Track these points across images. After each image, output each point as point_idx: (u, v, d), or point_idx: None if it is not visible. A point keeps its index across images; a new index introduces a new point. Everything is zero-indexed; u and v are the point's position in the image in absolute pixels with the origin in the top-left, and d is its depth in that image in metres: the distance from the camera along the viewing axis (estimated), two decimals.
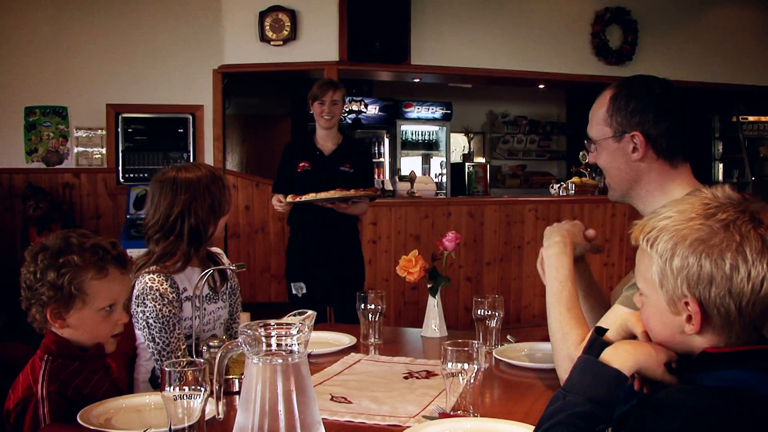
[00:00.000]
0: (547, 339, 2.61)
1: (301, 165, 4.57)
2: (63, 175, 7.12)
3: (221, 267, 2.16)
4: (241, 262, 2.38)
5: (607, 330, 1.62)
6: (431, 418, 1.77)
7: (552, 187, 8.23)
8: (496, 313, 2.50)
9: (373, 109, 9.87)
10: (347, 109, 9.23)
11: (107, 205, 7.23)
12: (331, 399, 1.95)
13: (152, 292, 2.48)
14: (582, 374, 1.40)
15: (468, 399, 1.79)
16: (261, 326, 1.49)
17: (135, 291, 2.52)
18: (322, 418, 1.57)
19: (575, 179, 8.19)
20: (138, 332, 2.56)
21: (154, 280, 2.50)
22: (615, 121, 2.01)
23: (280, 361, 1.47)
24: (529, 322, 7.42)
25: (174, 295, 2.52)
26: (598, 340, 1.60)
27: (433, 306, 2.77)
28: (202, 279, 2.16)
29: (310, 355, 2.39)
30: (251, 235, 7.03)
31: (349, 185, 4.46)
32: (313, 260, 4.52)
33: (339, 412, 1.84)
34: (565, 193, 8.08)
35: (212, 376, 1.62)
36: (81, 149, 7.18)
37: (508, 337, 2.65)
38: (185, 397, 1.61)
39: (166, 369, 1.60)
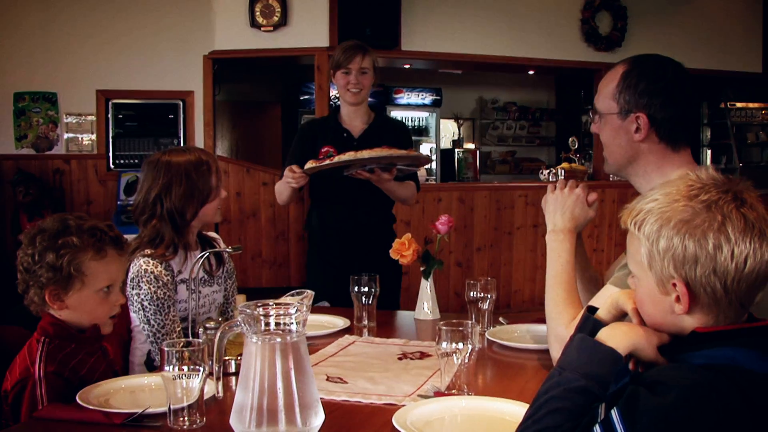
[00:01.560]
0: (538, 321, 2.65)
1: (324, 150, 3.62)
2: (53, 161, 7.11)
3: (217, 250, 2.18)
4: (238, 245, 2.40)
5: (598, 309, 1.66)
6: (427, 397, 1.80)
7: (541, 172, 8.27)
8: (489, 296, 2.53)
9: None
10: (335, 93, 9.20)
11: (98, 191, 7.22)
12: (327, 379, 1.97)
13: (147, 275, 2.50)
14: (578, 352, 1.43)
15: (462, 378, 1.82)
16: (260, 306, 1.52)
17: (130, 274, 2.54)
18: (320, 397, 1.59)
19: (564, 165, 8.21)
20: (133, 315, 2.58)
21: (149, 262, 2.52)
22: (623, 98, 2.00)
23: (278, 340, 1.49)
24: (518, 307, 7.48)
25: (169, 277, 2.54)
26: (591, 319, 1.63)
27: (426, 288, 2.80)
28: (197, 262, 2.18)
29: None
30: (242, 220, 7.04)
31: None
32: (339, 272, 3.20)
33: (335, 392, 1.87)
34: (554, 179, 8.08)
35: (211, 356, 1.64)
36: (71, 135, 7.17)
37: (501, 319, 2.67)
38: (184, 377, 1.63)
39: (166, 349, 1.63)
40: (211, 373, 1.66)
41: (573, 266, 2.10)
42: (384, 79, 9.83)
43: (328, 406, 1.68)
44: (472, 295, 2.53)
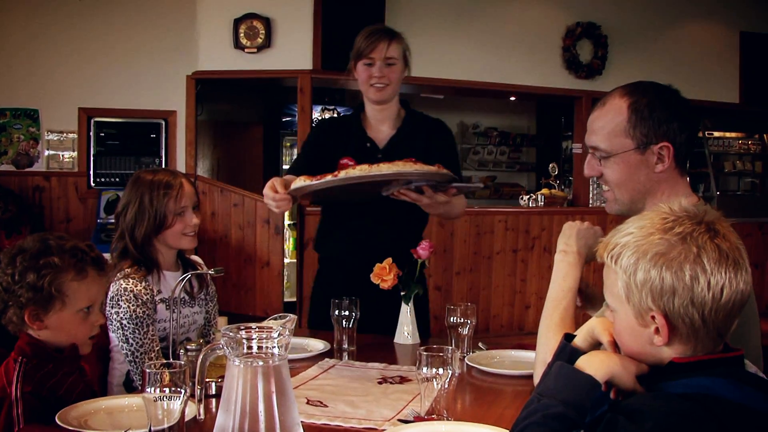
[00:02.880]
0: (517, 347, 2.66)
1: (343, 162, 2.93)
2: (33, 178, 7.08)
3: (199, 272, 2.18)
4: (220, 267, 2.41)
5: (575, 336, 1.68)
6: (407, 422, 1.81)
7: (521, 198, 8.30)
8: (469, 321, 2.55)
9: None
10: (318, 116, 9.24)
11: (78, 209, 7.19)
12: (307, 402, 1.98)
13: (126, 293, 2.50)
14: (557, 379, 1.44)
15: (442, 403, 1.83)
16: (242, 329, 1.53)
17: (110, 293, 2.54)
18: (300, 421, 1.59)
19: (545, 191, 8.26)
20: (112, 335, 2.57)
21: (129, 281, 2.53)
22: (639, 132, 1.93)
23: (260, 363, 1.50)
24: (497, 332, 7.49)
25: (148, 296, 2.54)
26: (567, 347, 1.65)
27: (406, 313, 2.81)
28: (179, 283, 2.18)
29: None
30: (216, 242, 7.03)
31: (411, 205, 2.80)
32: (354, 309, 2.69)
33: (315, 415, 1.87)
34: (534, 205, 8.14)
35: (192, 378, 1.65)
36: (52, 152, 7.14)
37: (480, 344, 2.69)
38: (165, 399, 1.63)
39: (147, 370, 1.63)
40: (192, 395, 1.66)
41: (575, 294, 2.07)
42: None
43: (309, 430, 1.68)
44: (452, 320, 2.55)
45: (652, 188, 1.98)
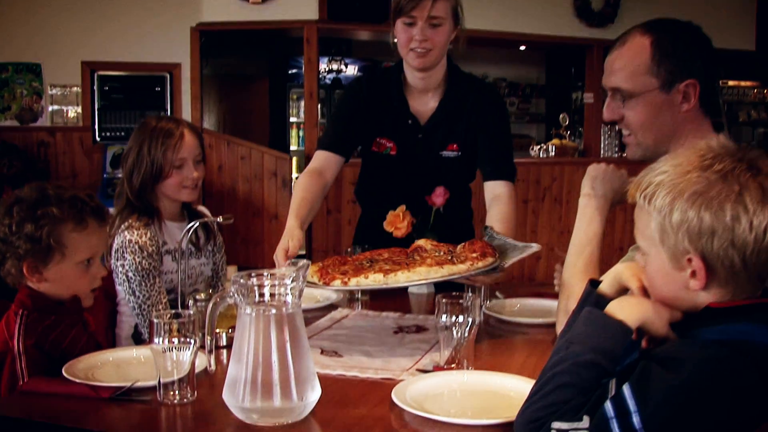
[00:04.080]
0: (534, 296, 2.59)
1: (382, 142, 2.74)
2: (37, 133, 6.98)
3: (206, 219, 2.10)
4: (229, 215, 2.33)
5: (600, 282, 1.60)
6: (425, 372, 1.74)
7: (532, 149, 8.21)
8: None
9: (352, 70, 9.78)
10: (325, 68, 9.10)
11: (83, 165, 7.10)
12: (322, 353, 1.90)
13: (131, 245, 2.43)
14: (586, 325, 1.37)
15: (462, 353, 1.76)
16: (254, 276, 1.45)
17: (114, 245, 2.48)
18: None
19: (555, 141, 8.16)
20: (119, 287, 2.51)
21: (134, 233, 2.46)
22: (664, 69, 1.82)
23: (273, 311, 1.43)
24: (509, 283, 7.42)
25: (154, 248, 2.47)
26: (593, 293, 1.57)
27: None
28: (186, 233, 2.11)
29: None
30: (223, 195, 6.95)
31: (454, 181, 2.73)
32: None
33: (330, 365, 1.80)
34: (544, 155, 8.05)
35: (201, 328, 1.58)
36: (56, 107, 7.03)
37: (497, 293, 2.62)
38: (174, 350, 1.56)
39: (155, 321, 1.55)
40: (202, 346, 1.59)
41: (600, 239, 1.98)
42: (373, 54, 9.76)
43: (324, 381, 1.62)
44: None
45: (677, 130, 1.88)
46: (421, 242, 2.29)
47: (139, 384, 1.61)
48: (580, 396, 1.26)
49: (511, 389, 1.61)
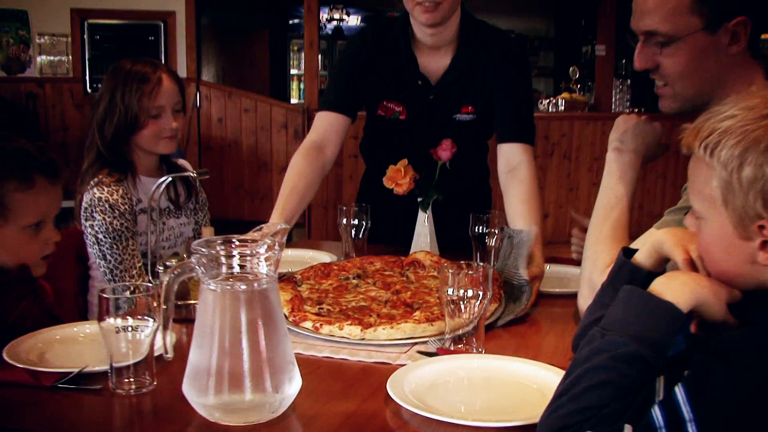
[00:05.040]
0: (547, 260, 2.33)
1: (389, 106, 2.45)
2: (26, 84, 6.69)
3: (181, 174, 1.84)
4: (204, 169, 2.06)
5: (636, 251, 1.34)
6: (428, 354, 1.49)
7: (541, 103, 7.91)
8: (496, 231, 2.21)
9: (354, 20, 9.45)
10: (326, 18, 8.77)
11: (74, 117, 6.83)
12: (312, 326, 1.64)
13: (101, 204, 2.18)
14: (627, 308, 1.11)
15: (471, 331, 1.50)
16: (220, 243, 1.20)
17: (83, 204, 2.22)
18: (295, 353, 1.28)
19: (565, 95, 7.87)
20: (90, 250, 2.26)
21: (103, 190, 2.20)
22: (708, 8, 1.55)
23: (243, 287, 1.17)
24: None
25: (126, 206, 2.21)
26: (627, 264, 1.32)
27: (423, 222, 2.47)
28: (158, 188, 1.85)
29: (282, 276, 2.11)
30: (224, 148, 6.69)
31: (468, 144, 2.44)
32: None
33: (316, 345, 1.55)
34: (554, 110, 7.76)
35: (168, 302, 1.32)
36: (45, 57, 6.74)
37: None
38: (130, 329, 1.31)
39: (105, 296, 1.30)
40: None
41: (630, 201, 1.73)
42: (376, 3, 9.41)
43: (307, 366, 1.38)
44: (477, 230, 2.21)
45: (723, 76, 1.60)
46: (419, 255, 2.04)
47: (89, 369, 1.36)
48: (620, 399, 1.01)
49: (530, 379, 1.36)
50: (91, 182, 2.23)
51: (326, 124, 2.40)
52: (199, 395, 1.18)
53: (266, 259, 1.19)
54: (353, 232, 2.35)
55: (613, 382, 1.03)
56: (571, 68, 8.19)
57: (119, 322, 1.31)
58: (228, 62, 9.59)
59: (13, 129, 6.19)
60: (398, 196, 2.35)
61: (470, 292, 1.47)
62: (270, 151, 6.72)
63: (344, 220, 2.35)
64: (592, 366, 1.05)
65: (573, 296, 1.96)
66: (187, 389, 1.19)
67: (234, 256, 1.17)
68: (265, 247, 1.19)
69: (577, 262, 2.31)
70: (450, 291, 1.47)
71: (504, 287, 1.86)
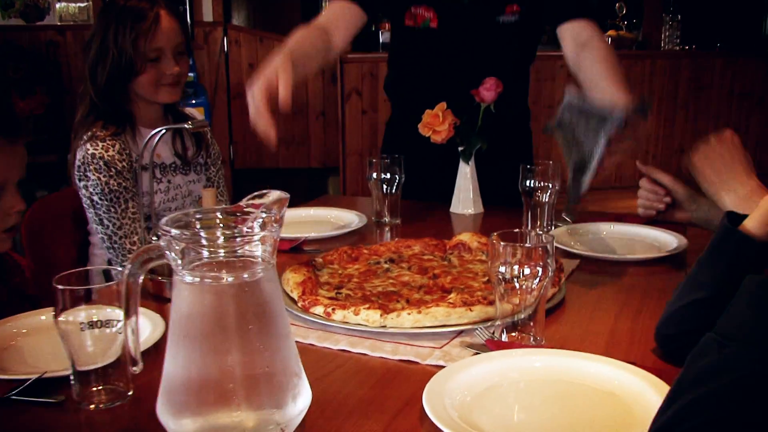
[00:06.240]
0: (614, 219, 2.02)
1: (419, 12, 2.15)
2: (45, 32, 6.40)
3: (173, 126, 1.55)
4: (202, 119, 1.77)
5: (743, 218, 1.04)
6: (476, 349, 1.19)
7: None
8: (550, 185, 1.90)
9: None
10: None
11: None
12: (324, 312, 1.35)
13: (95, 161, 1.90)
14: (759, 308, 0.80)
15: (527, 318, 1.20)
16: (199, 217, 0.90)
17: (76, 161, 1.94)
18: (308, 344, 1.00)
19: (611, 32, 7.44)
20: (88, 214, 1.99)
21: (98, 145, 1.92)
22: None
23: (230, 278, 0.88)
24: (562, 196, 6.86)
25: (124, 163, 1.93)
26: (736, 234, 1.02)
27: (466, 174, 2.17)
28: (152, 138, 1.54)
29: (303, 243, 1.82)
30: None
31: (511, 60, 2.26)
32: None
33: (333, 336, 1.26)
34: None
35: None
36: (64, 4, 6.43)
37: (564, 215, 2.04)
38: (98, 326, 1.04)
39: (59, 286, 1.02)
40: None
41: None
42: None
43: (316, 367, 1.10)
44: (528, 184, 1.90)
45: None
46: (464, 237, 1.72)
47: (51, 374, 1.09)
48: None
49: (615, 386, 1.04)
50: (84, 137, 1.96)
51: (336, 12, 2.10)
52: (175, 417, 0.89)
53: (261, 240, 0.89)
54: (385, 187, 2.06)
55: (737, 420, 0.72)
56: (617, 4, 7.72)
57: (83, 316, 1.03)
58: (258, 5, 9.25)
59: (35, 80, 5.95)
60: (432, 145, 2.05)
61: (527, 270, 1.16)
62: (306, 95, 6.43)
63: (374, 174, 2.06)
64: (706, 394, 0.74)
65: (644, 263, 1.66)
66: (162, 409, 0.91)
67: (218, 239, 0.88)
68: (260, 223, 0.89)
69: (645, 220, 2.00)
70: (503, 269, 1.17)
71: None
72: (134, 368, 0.95)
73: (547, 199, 1.91)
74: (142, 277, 0.91)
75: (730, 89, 7.56)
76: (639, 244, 1.84)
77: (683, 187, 1.93)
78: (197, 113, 2.29)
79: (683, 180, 1.94)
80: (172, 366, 0.90)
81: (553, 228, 1.93)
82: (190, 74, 5.82)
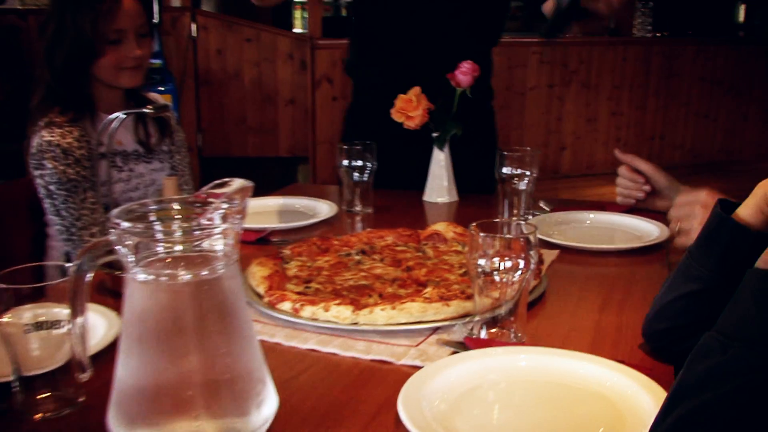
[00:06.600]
0: (593, 208, 1.96)
1: None
2: (6, 16, 6.23)
3: (132, 111, 1.46)
4: (163, 103, 1.69)
5: (735, 205, 0.99)
6: (454, 347, 1.12)
7: None
8: (528, 172, 1.84)
9: None
10: None
11: None
12: (293, 308, 1.27)
13: (52, 149, 1.81)
14: (760, 306, 0.73)
15: (508, 313, 1.13)
16: (154, 208, 0.83)
17: (31, 150, 1.85)
18: (274, 343, 0.93)
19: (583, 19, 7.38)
20: (45, 205, 1.90)
21: (54, 132, 1.82)
22: None
23: (187, 277, 0.80)
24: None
25: (83, 151, 1.84)
26: (728, 222, 0.96)
27: (440, 162, 2.10)
28: (108, 126, 1.45)
29: (270, 234, 1.74)
30: (224, 82, 6.27)
31: (483, 31, 2.26)
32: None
33: (301, 334, 1.18)
34: (571, 33, 7.29)
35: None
36: None
37: (541, 203, 1.98)
38: (44, 327, 0.95)
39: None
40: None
41: None
42: None
43: (285, 366, 1.02)
44: (505, 171, 1.84)
45: None
46: (439, 227, 1.65)
47: None
48: None
49: (602, 384, 0.97)
50: (40, 123, 1.86)
51: None
52: (127, 428, 0.82)
53: (223, 234, 0.81)
54: (356, 175, 1.98)
55: (746, 427, 0.66)
56: None
57: (28, 316, 0.95)
58: None
59: None
60: (399, 131, 1.99)
61: (508, 263, 1.10)
62: (275, 82, 6.33)
63: (345, 161, 1.98)
64: (713, 399, 0.68)
65: (625, 253, 1.60)
66: (113, 419, 0.83)
67: (174, 232, 0.80)
68: (221, 214, 0.81)
69: (625, 209, 1.95)
70: (482, 261, 1.10)
71: None
72: (82, 375, 0.87)
73: (524, 187, 1.84)
74: (91, 275, 0.82)
75: (701, 76, 7.56)
76: (619, 234, 1.78)
77: (664, 175, 1.88)
78: (160, 98, 2.20)
79: (663, 168, 1.89)
80: (125, 372, 0.82)
81: (530, 217, 1.86)
82: (158, 60, 5.72)
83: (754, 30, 8.50)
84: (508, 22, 2.39)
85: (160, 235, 0.79)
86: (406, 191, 2.20)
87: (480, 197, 2.15)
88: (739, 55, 7.64)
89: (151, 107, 1.43)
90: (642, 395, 0.91)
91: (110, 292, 1.36)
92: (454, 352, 1.08)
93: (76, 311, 0.83)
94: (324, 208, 1.99)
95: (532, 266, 1.11)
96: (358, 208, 2.01)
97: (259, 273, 1.35)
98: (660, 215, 1.85)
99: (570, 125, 7.30)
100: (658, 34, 7.74)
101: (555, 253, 1.60)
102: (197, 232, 0.80)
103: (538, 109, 7.15)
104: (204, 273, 0.80)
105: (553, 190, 6.56)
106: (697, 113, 7.68)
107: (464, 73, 1.91)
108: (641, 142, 7.46)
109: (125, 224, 0.78)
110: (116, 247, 0.79)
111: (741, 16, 8.83)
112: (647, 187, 1.91)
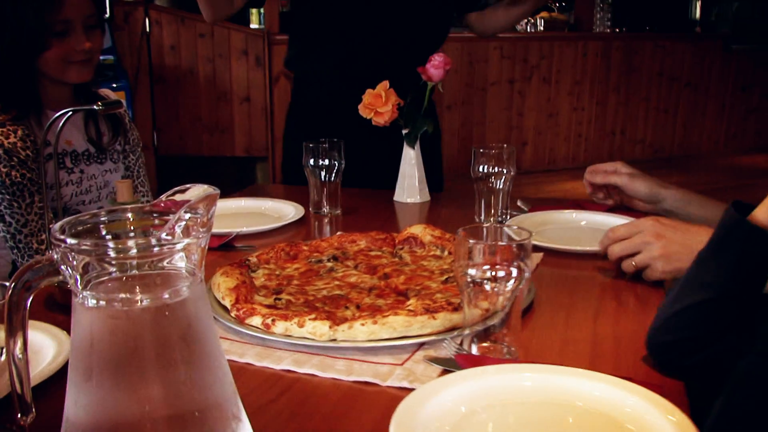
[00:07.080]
0: (573, 206, 1.88)
1: None
2: None
3: (81, 108, 1.34)
4: (115, 99, 1.56)
5: (750, 208, 0.91)
6: (444, 364, 1.01)
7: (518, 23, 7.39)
8: (505, 170, 1.74)
9: None
10: None
11: None
12: (263, 323, 1.15)
13: None
14: None
15: (500, 326, 1.04)
16: (104, 220, 0.71)
17: None
18: (245, 364, 0.82)
19: (543, 14, 7.38)
20: None
21: None
22: None
23: (146, 301, 0.69)
24: None
25: (29, 152, 1.71)
26: (744, 224, 0.88)
27: (411, 160, 2.00)
28: (54, 123, 1.32)
29: (234, 239, 1.63)
30: (179, 78, 6.10)
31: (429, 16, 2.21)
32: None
33: (274, 353, 1.07)
34: (532, 30, 7.28)
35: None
36: None
37: (519, 202, 1.89)
38: None
39: None
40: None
41: None
42: None
43: (257, 392, 0.91)
44: (480, 169, 1.74)
45: None
46: (416, 230, 1.55)
47: None
48: None
49: (613, 406, 0.87)
50: None
51: None
52: None
53: (185, 250, 0.70)
54: (323, 175, 1.88)
55: None
56: None
57: None
58: None
59: None
60: (341, 129, 1.90)
61: (501, 272, 1.00)
62: (229, 79, 6.17)
63: (311, 160, 1.88)
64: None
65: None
66: None
67: (130, 249, 0.68)
68: (182, 227, 0.70)
69: (608, 207, 1.86)
70: (472, 271, 1.00)
71: None
72: (24, 418, 0.75)
73: (501, 186, 1.75)
74: (29, 301, 0.71)
75: (659, 71, 7.57)
76: (604, 234, 1.70)
77: (642, 182, 1.77)
78: (112, 94, 2.07)
79: (642, 174, 1.79)
80: (73, 410, 0.70)
81: (508, 217, 1.77)
82: (110, 56, 5.53)
83: (710, 26, 8.55)
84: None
85: (112, 253, 0.68)
86: (374, 190, 2.10)
87: (452, 197, 2.07)
88: (696, 50, 7.67)
89: (102, 103, 1.31)
90: (658, 419, 0.82)
91: (60, 307, 1.24)
92: (445, 371, 0.98)
93: (15, 341, 0.71)
94: (290, 210, 1.89)
95: (527, 275, 1.01)
96: (326, 210, 1.90)
97: (224, 284, 1.23)
98: (645, 215, 1.77)
99: (531, 121, 7.27)
100: (617, 30, 7.74)
101: (539, 256, 1.51)
102: (156, 249, 0.69)
103: (500, 105, 7.11)
104: (165, 296, 0.69)
105: (515, 186, 6.51)
106: (656, 108, 7.70)
107: (436, 67, 1.81)
108: (602, 137, 7.45)
109: (70, 240, 0.66)
110: (60, 267, 0.68)
111: (697, 12, 8.87)
112: (610, 202, 1.84)
